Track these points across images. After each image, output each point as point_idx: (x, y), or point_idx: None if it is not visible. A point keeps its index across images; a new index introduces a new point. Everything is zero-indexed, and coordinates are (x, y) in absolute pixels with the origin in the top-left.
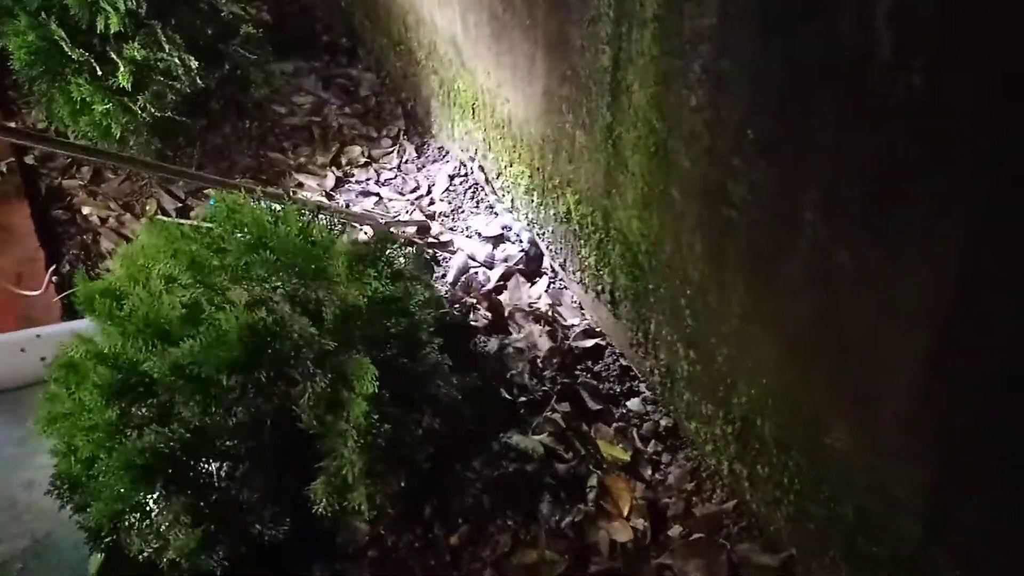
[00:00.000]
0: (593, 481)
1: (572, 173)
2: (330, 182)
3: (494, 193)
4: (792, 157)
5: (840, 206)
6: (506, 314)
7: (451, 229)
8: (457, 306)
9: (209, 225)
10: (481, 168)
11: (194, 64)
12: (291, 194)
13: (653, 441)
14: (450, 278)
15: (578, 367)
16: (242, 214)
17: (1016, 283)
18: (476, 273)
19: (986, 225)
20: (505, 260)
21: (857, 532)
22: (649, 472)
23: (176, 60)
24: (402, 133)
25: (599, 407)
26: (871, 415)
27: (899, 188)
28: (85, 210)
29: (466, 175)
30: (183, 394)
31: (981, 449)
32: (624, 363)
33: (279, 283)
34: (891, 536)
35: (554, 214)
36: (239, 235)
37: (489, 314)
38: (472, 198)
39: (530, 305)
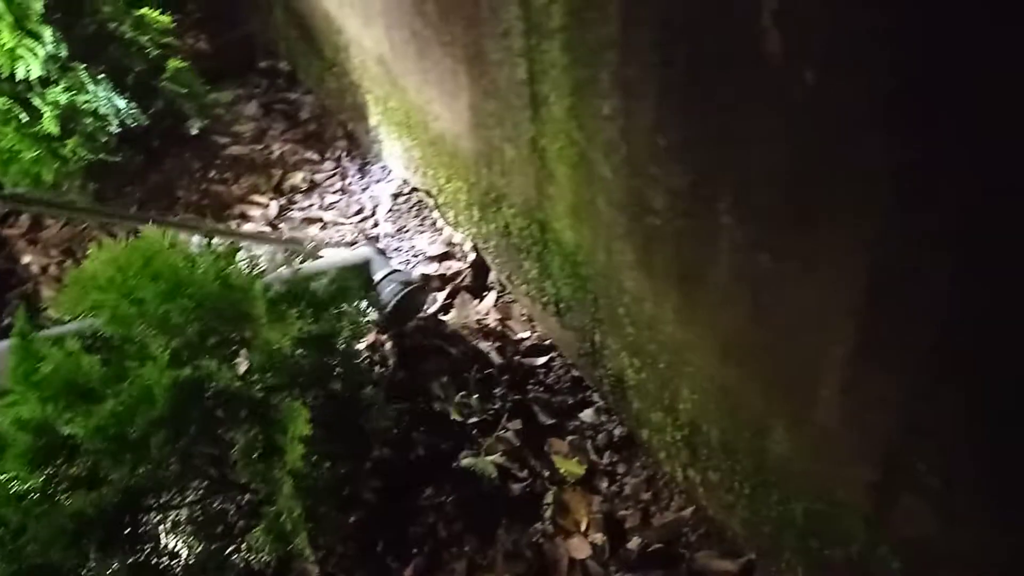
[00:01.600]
0: (549, 498)
1: (506, 187)
2: (273, 211)
3: (438, 210)
4: (703, 162)
5: (754, 208)
6: (454, 332)
7: (396, 250)
8: (401, 332)
9: None
10: (422, 185)
11: (123, 103)
12: (234, 227)
13: (608, 452)
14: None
15: (530, 381)
16: (157, 262)
17: (926, 272)
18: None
19: (891, 217)
20: (452, 278)
21: (808, 534)
22: (605, 484)
23: (104, 100)
24: (344, 155)
25: (552, 421)
26: (806, 416)
27: (804, 187)
28: (25, 259)
29: (409, 194)
30: (110, 455)
31: (912, 442)
32: (576, 374)
33: (200, 331)
34: (840, 537)
35: (495, 228)
36: (153, 284)
37: (437, 336)
38: (416, 216)
39: (478, 321)
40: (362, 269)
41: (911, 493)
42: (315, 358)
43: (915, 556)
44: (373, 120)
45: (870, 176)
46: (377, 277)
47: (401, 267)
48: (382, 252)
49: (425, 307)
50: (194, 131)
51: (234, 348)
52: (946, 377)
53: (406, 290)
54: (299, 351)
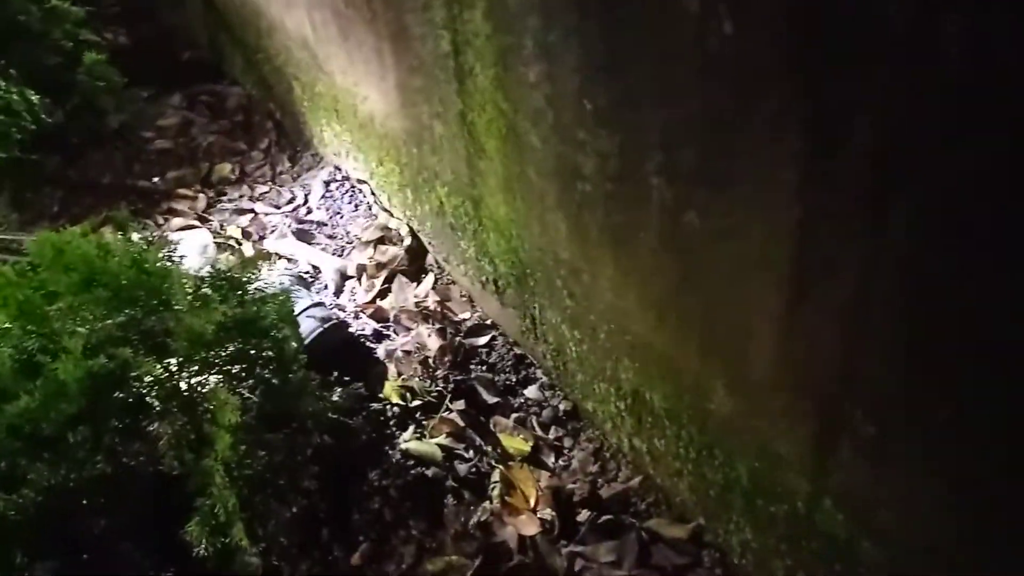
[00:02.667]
0: (496, 477)
1: (437, 165)
2: (202, 204)
3: (372, 194)
4: (629, 123)
5: (680, 167)
6: (392, 317)
7: (331, 237)
8: (335, 319)
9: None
10: (354, 170)
11: (35, 98)
12: (162, 222)
13: (554, 427)
14: (331, 290)
15: (472, 361)
16: (70, 253)
17: (850, 221)
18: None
19: (813, 168)
20: (389, 263)
21: (754, 494)
22: (552, 459)
23: (16, 96)
24: (273, 144)
25: (496, 400)
26: (743, 375)
27: (726, 140)
28: None
29: (342, 180)
30: (26, 455)
31: (847, 391)
32: (518, 351)
33: (119, 323)
34: (784, 493)
35: (429, 209)
36: (67, 275)
37: (372, 321)
38: (350, 202)
39: (417, 305)
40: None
41: (848, 442)
42: (241, 344)
43: (856, 506)
44: (301, 107)
45: (785, 126)
46: (297, 309)
47: (321, 301)
48: (302, 281)
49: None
50: (115, 126)
51: (157, 339)
52: (875, 323)
53: (323, 327)
54: (224, 337)
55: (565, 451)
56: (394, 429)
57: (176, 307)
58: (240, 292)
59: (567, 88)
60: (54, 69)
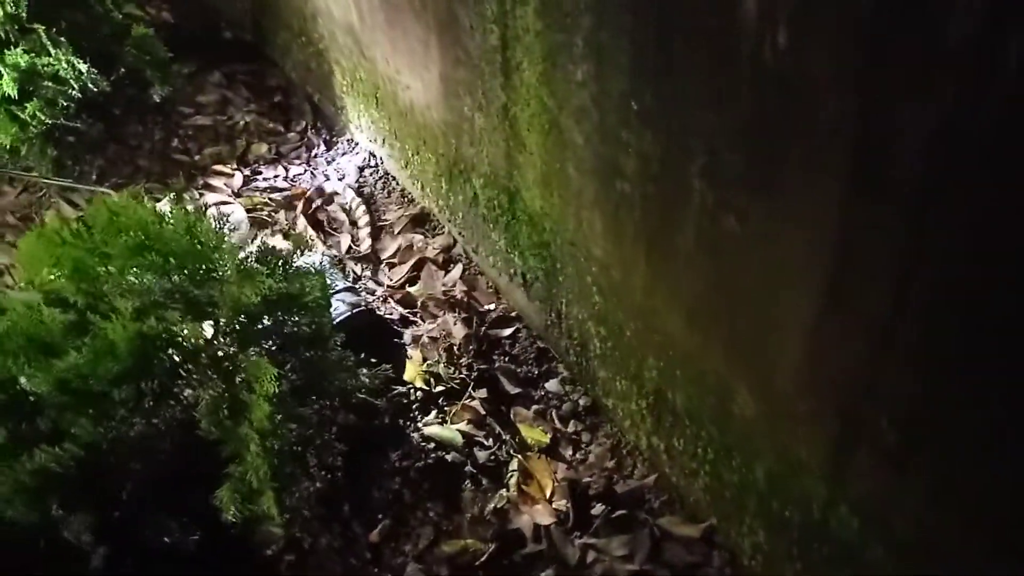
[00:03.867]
0: (514, 466)
1: (475, 157)
2: (238, 181)
3: (404, 182)
4: (675, 126)
5: (724, 171)
6: (419, 304)
7: (364, 220)
8: (367, 301)
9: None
10: (389, 157)
11: (84, 67)
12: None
13: (573, 421)
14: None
15: (495, 352)
16: (125, 216)
17: (891, 236)
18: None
19: (860, 182)
20: (418, 250)
21: (770, 497)
22: (570, 452)
23: (65, 64)
24: (309, 127)
25: (518, 391)
26: (769, 379)
27: (773, 148)
28: None
29: (376, 165)
30: (72, 410)
31: (868, 404)
32: (541, 345)
33: (167, 287)
34: (800, 498)
35: (463, 199)
36: (122, 239)
37: (400, 306)
38: (383, 188)
39: (444, 293)
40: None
41: (870, 450)
42: (282, 317)
43: (872, 513)
44: (340, 92)
45: (834, 139)
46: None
47: (352, 285)
48: (336, 262)
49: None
50: (156, 99)
51: (203, 307)
52: (907, 335)
53: (353, 310)
54: (269, 309)
55: (583, 445)
56: (416, 412)
57: (223, 276)
58: (284, 267)
59: (614, 88)
60: (103, 40)
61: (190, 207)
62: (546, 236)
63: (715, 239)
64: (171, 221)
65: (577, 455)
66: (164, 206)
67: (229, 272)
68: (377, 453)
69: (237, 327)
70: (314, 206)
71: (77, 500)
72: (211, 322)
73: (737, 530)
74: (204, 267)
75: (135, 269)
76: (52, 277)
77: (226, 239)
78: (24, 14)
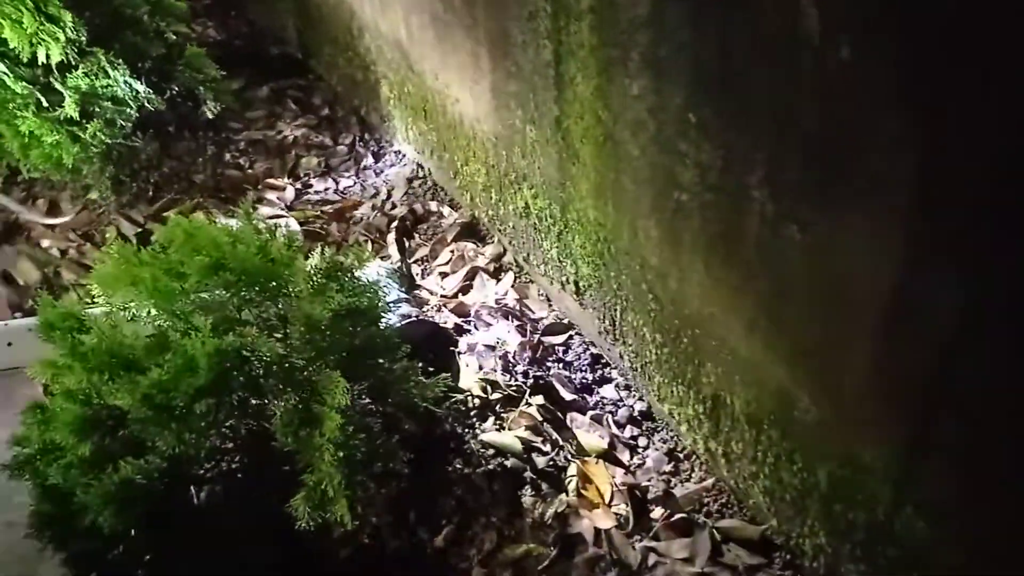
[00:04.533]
0: (572, 471)
1: (527, 168)
2: (290, 195)
3: (453, 192)
4: (735, 138)
5: (785, 181)
6: (472, 312)
7: (414, 233)
8: (422, 310)
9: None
10: (438, 168)
11: (141, 88)
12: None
13: (629, 426)
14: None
15: (549, 359)
16: (199, 237)
17: (955, 248)
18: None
19: (922, 195)
20: (470, 260)
21: (832, 499)
22: (627, 457)
23: (122, 85)
24: (357, 140)
25: (573, 397)
26: (832, 384)
27: (836, 160)
28: (44, 243)
29: (424, 177)
30: (155, 424)
31: (937, 408)
32: (594, 351)
33: (241, 304)
34: (865, 500)
35: (513, 209)
36: (197, 258)
37: (454, 315)
38: (433, 199)
39: (497, 301)
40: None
41: (937, 453)
42: (352, 332)
43: (940, 515)
44: (387, 105)
45: (901, 150)
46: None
47: (406, 296)
48: (395, 273)
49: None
50: (208, 116)
51: (273, 322)
52: (976, 340)
53: (411, 319)
54: (339, 323)
55: (639, 450)
56: (475, 420)
57: (295, 293)
58: (350, 281)
59: (672, 101)
60: (157, 60)
61: (260, 225)
62: (600, 245)
63: (776, 248)
64: (243, 240)
65: (634, 460)
66: (231, 222)
67: (301, 288)
68: (440, 460)
69: (308, 341)
70: (368, 218)
71: (161, 511)
72: (286, 338)
73: (799, 532)
74: (276, 283)
75: (209, 287)
76: (131, 297)
77: (298, 256)
78: (84, 38)
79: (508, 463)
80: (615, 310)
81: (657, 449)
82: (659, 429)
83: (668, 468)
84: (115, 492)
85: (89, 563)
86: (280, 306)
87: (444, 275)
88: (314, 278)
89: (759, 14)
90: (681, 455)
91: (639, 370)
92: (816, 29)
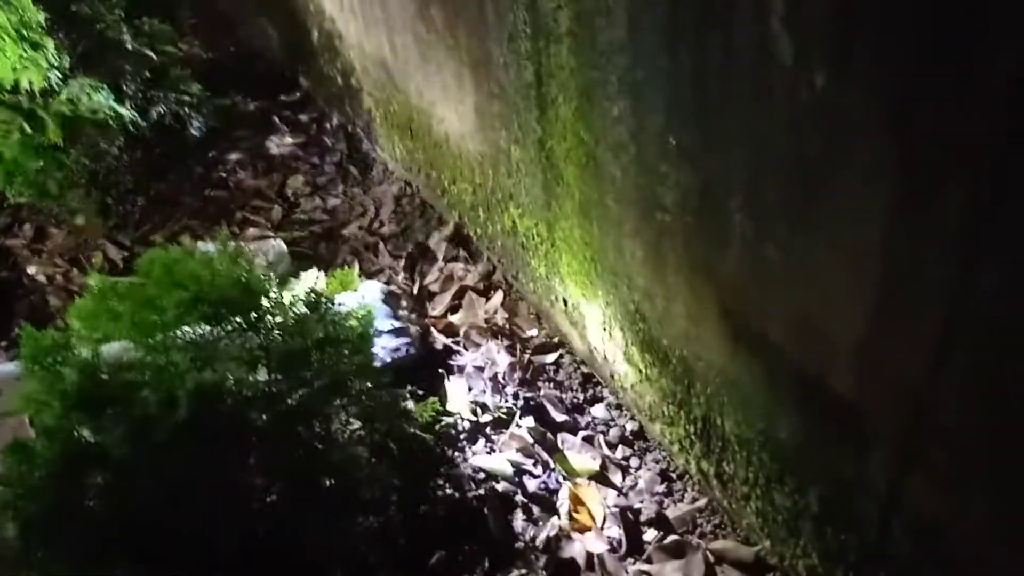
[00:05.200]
0: (564, 494)
1: (512, 187)
2: (277, 214)
3: (441, 211)
4: (714, 161)
5: (764, 204)
6: (462, 333)
7: (400, 251)
8: (414, 333)
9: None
10: (425, 187)
11: (125, 111)
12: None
13: (621, 446)
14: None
15: (540, 378)
16: (177, 269)
17: (937, 270)
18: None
19: (901, 220)
20: (458, 278)
21: (823, 520)
22: (619, 478)
23: (106, 109)
24: (345, 158)
25: (564, 418)
26: (817, 404)
27: (813, 184)
28: (31, 269)
29: (412, 194)
30: (137, 462)
31: (924, 423)
32: (585, 370)
33: (221, 338)
34: (855, 521)
35: (500, 228)
36: (176, 292)
37: (443, 336)
38: (421, 217)
39: (486, 321)
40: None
41: (923, 472)
42: (333, 359)
43: (927, 534)
44: (374, 123)
45: (874, 177)
46: (379, 324)
47: (403, 324)
48: (391, 296)
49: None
50: (195, 135)
51: (256, 353)
52: (956, 360)
53: (404, 343)
54: (318, 353)
55: (631, 471)
56: (465, 443)
57: (275, 324)
58: (331, 310)
59: (652, 124)
60: (141, 82)
61: (238, 256)
62: (586, 265)
63: (758, 269)
64: (221, 273)
65: (627, 481)
66: (208, 247)
67: (280, 320)
68: (429, 485)
69: (290, 371)
70: (356, 237)
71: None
72: (267, 369)
73: (792, 553)
74: (255, 315)
75: (188, 321)
76: (110, 331)
77: (275, 286)
78: (66, 63)
79: (499, 487)
80: (604, 329)
81: (650, 470)
82: (651, 449)
83: (661, 489)
84: (95, 532)
85: None
86: (260, 338)
87: (433, 294)
88: (293, 309)
89: (732, 40)
90: (674, 475)
91: (630, 390)
92: (790, 57)
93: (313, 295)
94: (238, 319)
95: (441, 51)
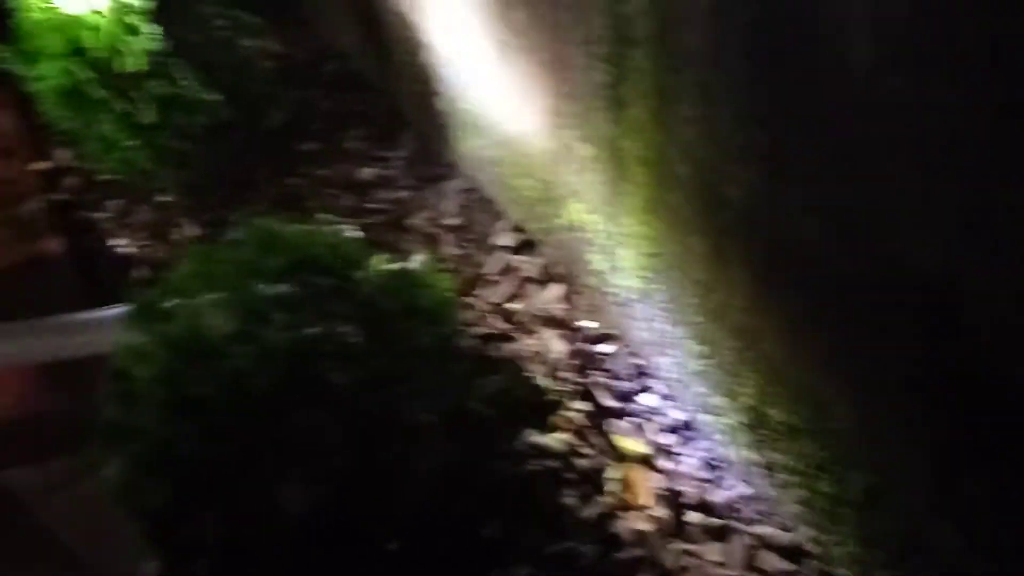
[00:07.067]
0: (613, 474)
1: (578, 184)
2: (348, 203)
3: (505, 205)
4: (783, 162)
5: (829, 204)
6: (519, 320)
7: (466, 243)
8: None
9: None
10: (490, 183)
11: (212, 98)
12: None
13: (669, 433)
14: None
15: (593, 367)
16: (276, 238)
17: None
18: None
19: (972, 229)
20: (519, 269)
21: (865, 509)
22: (666, 463)
23: (195, 94)
24: (413, 153)
25: (615, 404)
26: (869, 397)
27: (884, 188)
28: (116, 241)
29: (477, 189)
30: (233, 411)
31: (972, 411)
32: (638, 361)
33: (316, 301)
34: (898, 511)
35: (563, 223)
36: (274, 257)
37: (501, 321)
38: (485, 211)
39: (543, 310)
40: None
41: (973, 461)
42: (423, 330)
43: (976, 529)
44: (443, 120)
45: (948, 177)
46: None
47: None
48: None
49: None
50: (275, 126)
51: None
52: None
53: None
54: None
55: (679, 457)
56: (519, 423)
57: (366, 291)
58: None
59: (723, 126)
60: (229, 71)
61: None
62: (647, 260)
63: (821, 267)
64: (317, 241)
65: (674, 466)
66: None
67: (371, 289)
68: (487, 459)
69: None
70: (421, 227)
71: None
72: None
73: (831, 540)
74: (348, 281)
75: (285, 285)
76: (209, 292)
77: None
78: (161, 47)
79: (550, 463)
80: (660, 322)
81: (696, 457)
82: (699, 438)
83: (705, 475)
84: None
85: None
86: (351, 303)
87: (492, 283)
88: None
89: (808, 46)
90: (720, 463)
91: (681, 380)
92: (867, 62)
93: (404, 270)
94: (333, 281)
95: (517, 53)
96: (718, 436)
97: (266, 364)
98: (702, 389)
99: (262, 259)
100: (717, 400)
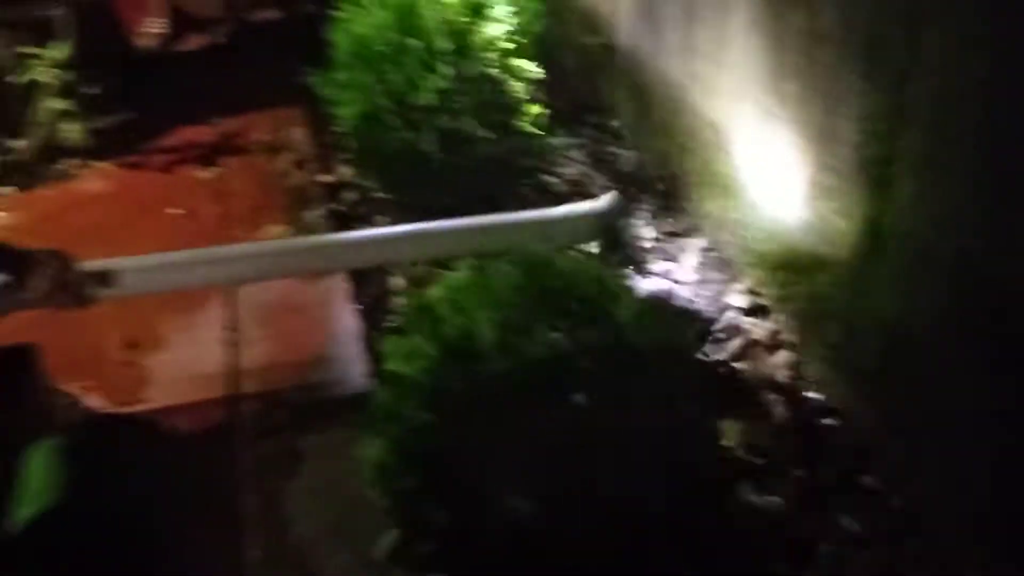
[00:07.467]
0: (827, 551)
1: (826, 255)
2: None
3: (744, 268)
4: None
5: None
6: (744, 380)
7: (699, 295)
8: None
9: None
10: (729, 245)
11: (482, 133)
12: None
13: (889, 519)
14: None
15: (813, 438)
16: (549, 266)
17: None
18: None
19: None
20: (749, 332)
21: None
22: (887, 550)
23: (473, 129)
24: (658, 208)
25: (832, 480)
26: None
27: None
28: None
29: (717, 251)
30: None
31: None
32: (859, 440)
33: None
34: None
35: (800, 291)
36: (541, 284)
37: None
38: (722, 271)
39: (768, 374)
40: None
41: None
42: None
43: None
44: (692, 179)
45: None
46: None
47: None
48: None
49: None
50: (529, 165)
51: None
52: None
53: None
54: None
55: (901, 544)
56: (735, 476)
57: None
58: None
59: (990, 216)
60: (500, 112)
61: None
62: (896, 335)
63: None
64: (581, 272)
65: (894, 554)
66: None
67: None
68: (699, 508)
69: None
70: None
71: None
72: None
73: None
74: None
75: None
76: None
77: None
78: (449, 86)
79: (763, 527)
80: (892, 405)
81: (915, 550)
82: (919, 531)
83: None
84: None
85: None
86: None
87: (720, 340)
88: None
89: None
90: (946, 556)
91: (903, 466)
92: None
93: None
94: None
95: (782, 123)
96: (940, 532)
97: (520, 375)
98: (922, 483)
99: (531, 281)
100: (944, 495)
